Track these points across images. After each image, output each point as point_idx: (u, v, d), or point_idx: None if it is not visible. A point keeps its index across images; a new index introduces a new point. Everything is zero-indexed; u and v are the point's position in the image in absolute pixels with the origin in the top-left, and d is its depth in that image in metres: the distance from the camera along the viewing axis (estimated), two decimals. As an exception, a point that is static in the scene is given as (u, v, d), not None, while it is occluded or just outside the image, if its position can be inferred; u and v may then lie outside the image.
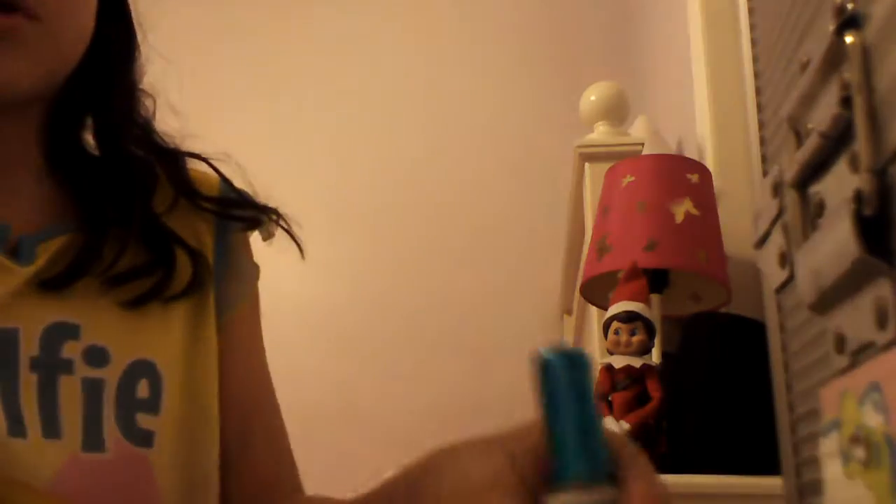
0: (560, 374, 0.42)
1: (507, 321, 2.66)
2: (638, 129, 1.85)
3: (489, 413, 2.56)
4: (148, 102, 0.71)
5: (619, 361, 1.20)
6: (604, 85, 1.82)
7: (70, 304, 0.59)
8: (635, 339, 1.21)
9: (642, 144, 1.72)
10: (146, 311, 0.62)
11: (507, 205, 2.78)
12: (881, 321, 0.29)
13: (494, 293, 2.70)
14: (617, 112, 1.80)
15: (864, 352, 0.30)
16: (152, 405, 0.58)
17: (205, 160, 0.72)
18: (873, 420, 0.28)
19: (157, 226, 0.65)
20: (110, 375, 0.58)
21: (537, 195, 2.74)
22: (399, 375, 2.64)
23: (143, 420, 0.57)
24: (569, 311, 2.44)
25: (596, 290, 1.49)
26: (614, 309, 1.24)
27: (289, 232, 0.76)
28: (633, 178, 1.43)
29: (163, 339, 0.62)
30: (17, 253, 0.58)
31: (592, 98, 1.81)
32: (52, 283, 0.58)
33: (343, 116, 2.93)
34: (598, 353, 1.62)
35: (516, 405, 2.85)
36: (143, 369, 0.59)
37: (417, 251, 2.76)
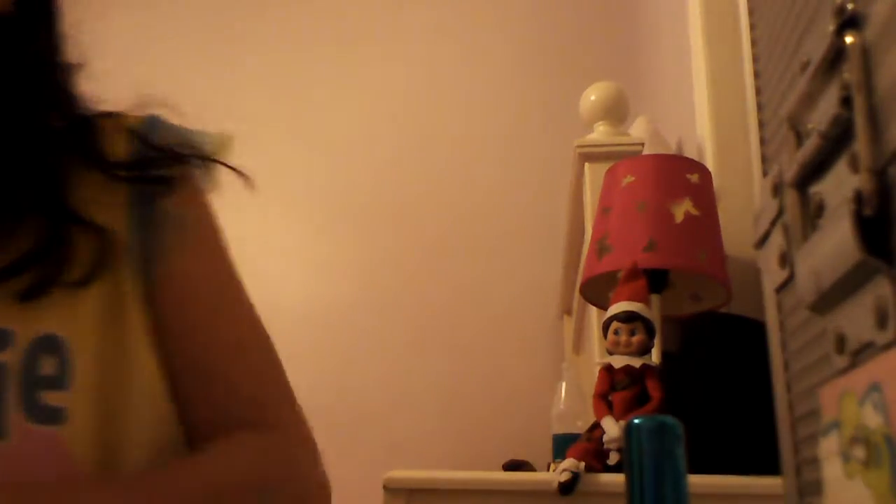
0: (648, 442, 0.40)
1: (506, 321, 2.66)
2: (638, 129, 1.85)
3: (491, 413, 2.57)
4: (73, 72, 0.67)
5: (618, 361, 1.20)
6: (604, 85, 1.82)
7: None
8: (635, 339, 1.21)
9: (642, 144, 1.72)
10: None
11: (506, 205, 2.78)
12: (881, 321, 0.29)
13: (494, 293, 2.70)
14: (617, 112, 1.80)
15: (864, 352, 0.30)
16: (59, 381, 0.56)
17: (119, 115, 0.68)
18: (873, 420, 0.28)
19: (55, 207, 0.62)
20: (11, 358, 0.56)
21: (537, 195, 2.74)
22: (399, 375, 2.64)
23: (51, 397, 0.56)
24: (568, 312, 2.44)
25: (596, 291, 1.49)
26: (614, 309, 1.24)
27: (228, 166, 0.71)
28: (632, 178, 1.43)
29: (70, 311, 0.59)
30: None
31: (592, 98, 1.81)
32: None
33: (344, 116, 2.93)
34: (597, 354, 1.62)
35: (518, 406, 2.86)
36: (47, 345, 0.57)
37: (417, 252, 2.76)
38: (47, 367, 0.56)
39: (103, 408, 0.58)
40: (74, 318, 0.59)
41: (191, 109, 0.74)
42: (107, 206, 0.64)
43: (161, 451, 0.61)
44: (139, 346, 0.62)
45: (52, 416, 0.56)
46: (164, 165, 0.67)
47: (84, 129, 0.66)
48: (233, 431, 0.64)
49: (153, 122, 0.69)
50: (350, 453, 2.53)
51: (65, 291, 0.59)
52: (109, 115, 0.68)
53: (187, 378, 0.64)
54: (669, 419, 0.39)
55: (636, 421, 0.42)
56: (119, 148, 0.66)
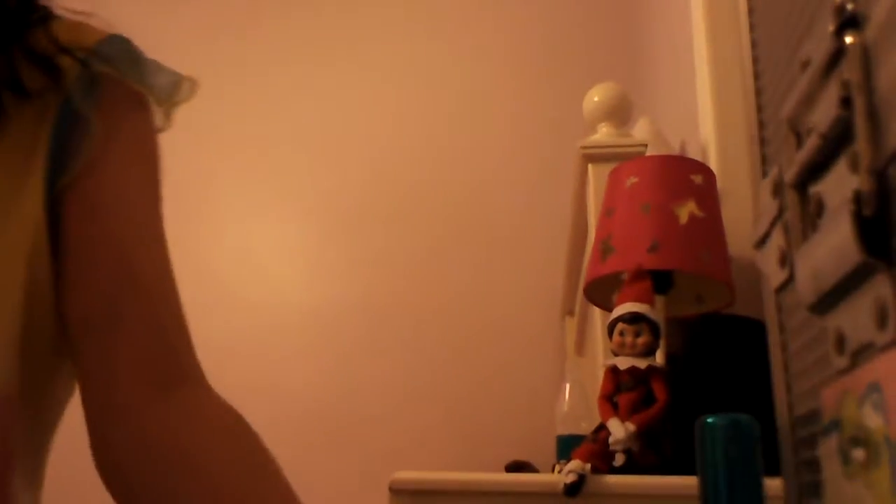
0: (722, 441, 0.40)
1: (509, 322, 2.66)
2: (641, 131, 1.85)
3: (493, 414, 2.56)
4: None
5: (624, 363, 1.20)
6: (607, 86, 1.82)
7: None
8: (640, 340, 1.20)
9: (646, 145, 1.72)
10: None
11: (509, 206, 2.78)
12: (881, 321, 0.29)
13: (496, 294, 2.70)
14: (620, 113, 1.79)
15: (863, 352, 0.30)
16: None
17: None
18: (873, 421, 0.28)
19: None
20: None
21: (540, 196, 2.74)
22: (402, 377, 2.64)
23: None
24: (571, 313, 2.44)
25: (599, 292, 1.48)
26: (619, 310, 1.23)
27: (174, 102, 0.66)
28: (636, 180, 1.43)
29: None
30: None
31: (596, 99, 1.81)
32: None
33: (346, 118, 2.93)
34: (600, 355, 1.62)
35: (520, 407, 2.85)
36: None
37: (419, 253, 2.77)
38: None
39: None
40: None
41: (190, 109, 0.73)
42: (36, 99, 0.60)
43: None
44: (17, 253, 0.56)
45: None
46: (124, 72, 0.63)
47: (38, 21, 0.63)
48: (194, 387, 0.58)
49: (112, 41, 0.65)
50: (353, 455, 2.54)
51: None
52: (76, 26, 0.65)
53: (104, 298, 0.58)
54: (745, 417, 0.39)
55: (710, 420, 0.41)
56: (85, 37, 0.63)
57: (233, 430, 0.58)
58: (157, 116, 0.66)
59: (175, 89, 0.66)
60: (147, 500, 0.55)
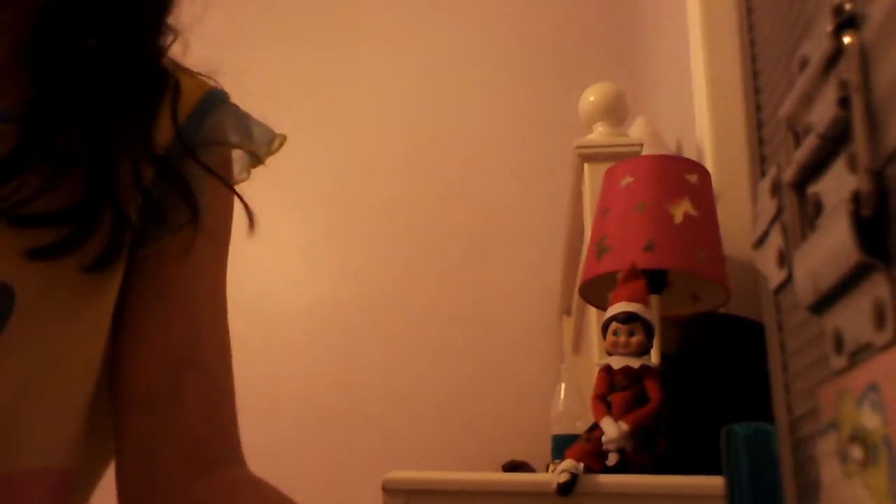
0: (746, 449, 0.41)
1: (506, 322, 2.66)
2: (637, 130, 1.86)
3: (490, 414, 2.57)
4: (170, 35, 0.62)
5: (617, 362, 1.20)
6: (603, 85, 1.82)
7: None
8: (634, 339, 1.21)
9: (641, 145, 1.72)
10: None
11: (506, 205, 2.78)
12: (879, 322, 0.29)
13: (493, 293, 2.70)
14: (616, 113, 1.80)
15: (862, 352, 0.30)
16: None
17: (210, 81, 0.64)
18: (871, 421, 0.28)
19: (101, 173, 0.54)
20: None
21: (536, 195, 2.74)
22: (399, 376, 2.64)
23: None
24: (568, 312, 2.44)
25: (595, 291, 1.49)
26: (613, 310, 1.24)
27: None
28: (632, 179, 1.43)
29: (41, 274, 0.52)
30: None
31: (591, 99, 1.81)
32: None
33: (346, 118, 2.93)
34: (596, 354, 1.62)
35: (517, 406, 2.86)
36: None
37: (417, 252, 2.77)
38: None
39: (20, 380, 0.52)
40: (42, 281, 0.53)
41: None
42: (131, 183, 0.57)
43: (65, 436, 0.55)
44: (93, 327, 0.56)
45: None
46: (206, 152, 0.62)
47: (160, 87, 0.61)
48: (238, 468, 0.58)
49: (212, 101, 0.64)
50: (349, 453, 2.53)
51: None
52: (189, 74, 0.64)
53: (169, 372, 0.58)
54: (768, 426, 0.39)
55: (736, 428, 0.43)
56: (188, 98, 0.62)
57: (267, 497, 0.56)
58: (241, 167, 0.65)
59: (270, 146, 0.65)
60: None
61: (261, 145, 0.66)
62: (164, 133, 0.60)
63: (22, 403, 0.51)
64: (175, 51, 0.65)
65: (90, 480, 0.59)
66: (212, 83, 0.65)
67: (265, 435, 2.55)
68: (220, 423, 0.59)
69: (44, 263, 0.52)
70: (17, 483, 0.51)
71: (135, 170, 0.57)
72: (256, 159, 0.66)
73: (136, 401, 0.56)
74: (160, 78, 0.61)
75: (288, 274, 2.81)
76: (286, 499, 0.55)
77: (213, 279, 0.64)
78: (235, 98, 0.67)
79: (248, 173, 0.66)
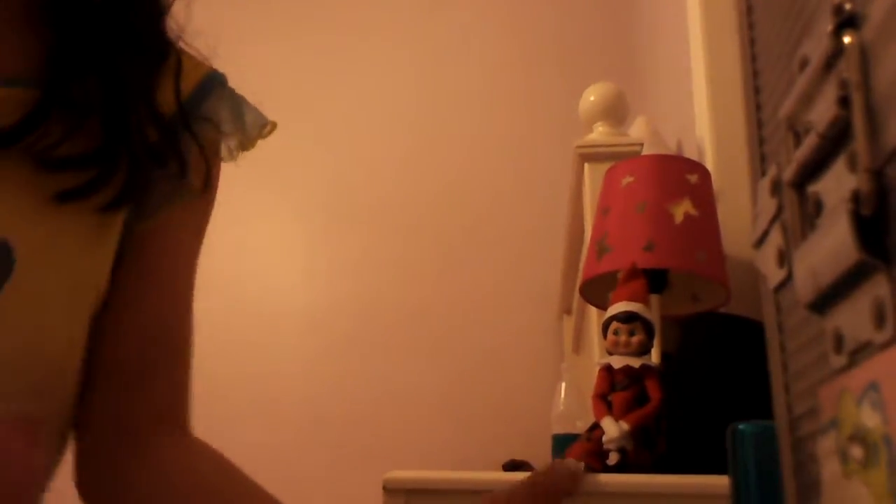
0: (752, 448, 0.41)
1: (506, 321, 2.66)
2: (637, 130, 1.86)
3: (490, 413, 2.57)
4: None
5: (618, 362, 1.20)
6: (603, 85, 1.82)
7: None
8: (634, 339, 1.21)
9: (641, 145, 1.72)
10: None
11: (506, 205, 2.78)
12: (879, 321, 0.29)
13: (493, 293, 2.70)
14: (616, 112, 1.80)
15: (862, 351, 0.30)
16: None
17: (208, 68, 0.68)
18: (871, 420, 0.28)
19: (128, 113, 0.60)
20: None
21: (536, 195, 2.74)
22: (399, 375, 2.64)
23: None
24: (568, 311, 2.44)
25: (595, 291, 1.49)
26: (613, 309, 1.24)
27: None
28: (632, 179, 1.43)
29: (47, 227, 0.57)
30: None
31: (592, 98, 1.81)
32: None
33: (346, 119, 2.93)
34: (597, 354, 1.62)
35: (517, 406, 2.85)
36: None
37: (416, 251, 2.77)
38: None
39: (14, 335, 0.55)
40: (43, 235, 0.57)
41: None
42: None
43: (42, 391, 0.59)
44: (86, 294, 0.60)
45: None
46: (201, 133, 0.66)
47: (175, 55, 0.65)
48: (184, 435, 0.65)
49: (212, 81, 0.68)
50: (350, 453, 2.53)
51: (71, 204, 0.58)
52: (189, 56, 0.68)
53: (144, 346, 0.64)
54: (773, 424, 0.39)
55: (741, 427, 0.43)
56: (192, 74, 0.66)
57: (218, 458, 0.65)
58: (228, 150, 0.69)
59: (259, 131, 0.70)
60: None
61: (251, 131, 0.70)
62: (166, 105, 0.64)
63: (20, 354, 0.56)
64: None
65: (56, 430, 0.62)
66: (209, 65, 0.70)
67: (264, 434, 2.55)
68: (182, 394, 0.66)
69: (48, 218, 0.56)
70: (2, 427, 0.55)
71: (140, 128, 0.61)
72: (246, 145, 0.70)
73: (111, 365, 0.62)
74: (162, 44, 0.66)
75: (286, 274, 2.81)
76: (219, 454, 0.64)
77: (190, 257, 0.68)
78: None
79: (236, 158, 0.70)
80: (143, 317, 0.63)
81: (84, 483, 0.64)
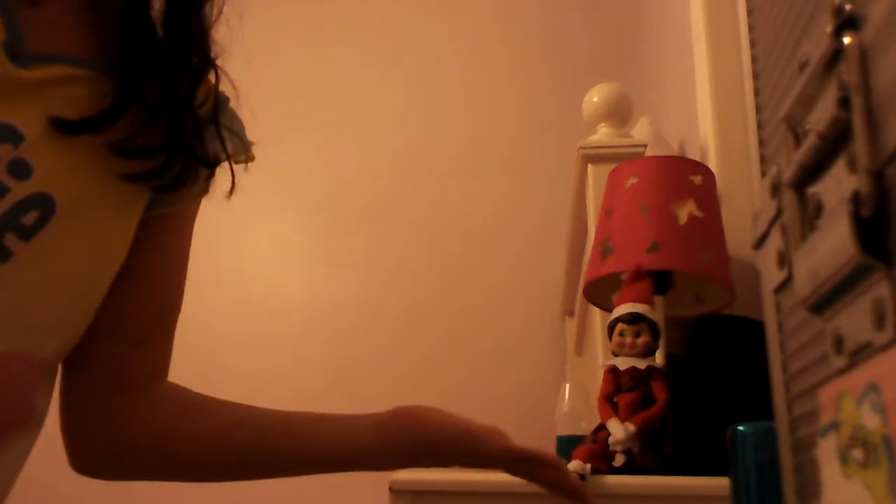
0: (752, 448, 0.42)
1: (508, 323, 2.66)
2: (640, 131, 1.85)
3: (492, 414, 2.56)
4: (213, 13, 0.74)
5: (623, 363, 1.20)
6: (606, 86, 1.82)
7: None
8: (640, 340, 1.20)
9: (645, 146, 1.72)
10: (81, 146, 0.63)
11: (509, 206, 2.78)
12: (879, 322, 0.29)
13: (496, 294, 2.70)
14: (620, 113, 1.80)
15: (862, 352, 0.30)
16: (28, 232, 0.60)
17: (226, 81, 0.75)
18: (871, 421, 0.28)
19: (186, 114, 0.68)
20: (18, 190, 0.59)
21: (539, 196, 2.74)
22: (400, 377, 2.65)
23: (10, 239, 0.59)
24: (570, 313, 2.44)
25: (599, 292, 1.48)
26: (619, 311, 1.23)
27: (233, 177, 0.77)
28: (636, 180, 1.43)
29: (92, 190, 0.63)
30: (15, 57, 0.60)
31: (595, 99, 1.81)
32: (64, 127, 0.61)
33: (348, 118, 2.93)
34: (600, 355, 1.62)
35: (519, 407, 2.84)
36: (43, 202, 0.60)
37: (418, 252, 2.77)
38: (30, 217, 0.60)
39: (40, 278, 0.61)
40: (87, 198, 0.63)
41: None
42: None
43: (65, 344, 0.66)
44: (113, 252, 0.67)
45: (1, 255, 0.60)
46: (221, 146, 0.74)
47: (206, 72, 0.73)
48: (166, 383, 0.76)
49: (225, 104, 0.76)
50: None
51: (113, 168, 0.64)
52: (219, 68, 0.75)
53: (150, 318, 0.73)
54: (772, 425, 0.40)
55: (740, 428, 0.43)
56: (206, 106, 0.73)
57: (192, 396, 0.76)
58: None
59: (243, 154, 0.77)
60: (151, 453, 0.73)
61: (240, 153, 0.77)
62: (205, 107, 0.73)
63: (40, 297, 0.62)
64: None
65: (54, 371, 0.69)
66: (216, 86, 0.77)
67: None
68: (170, 352, 0.77)
69: (96, 184, 0.64)
70: (5, 363, 0.61)
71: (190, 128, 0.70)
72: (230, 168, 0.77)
73: (120, 326, 0.71)
74: (208, 55, 0.73)
75: (288, 273, 2.81)
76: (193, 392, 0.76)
77: (189, 242, 0.77)
78: (231, 99, 0.77)
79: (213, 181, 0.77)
80: (155, 288, 0.73)
81: (74, 427, 0.72)
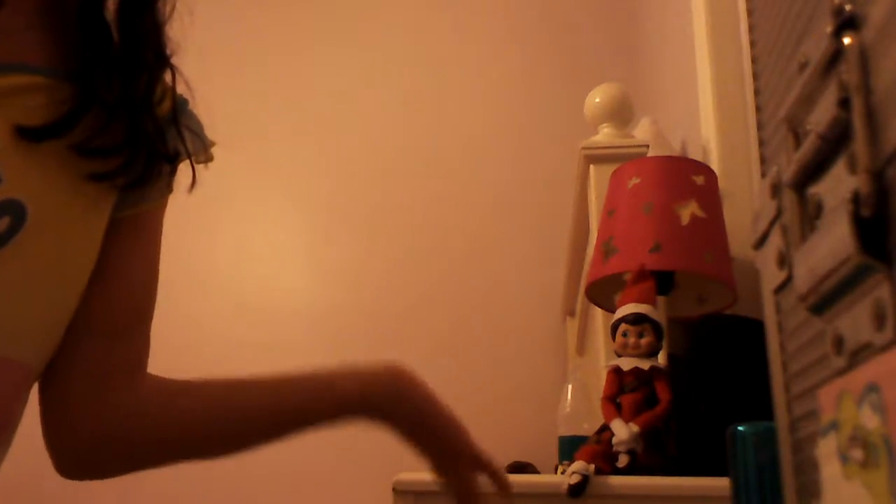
0: (752, 448, 0.42)
1: (509, 323, 2.66)
2: (642, 131, 1.85)
3: (493, 415, 2.56)
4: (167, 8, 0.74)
5: (627, 364, 1.20)
6: (608, 87, 1.82)
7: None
8: (643, 341, 1.20)
9: (647, 146, 1.72)
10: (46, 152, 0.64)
11: (510, 206, 2.78)
12: (879, 322, 0.29)
13: (497, 295, 2.70)
14: (621, 114, 1.79)
15: (862, 353, 0.30)
16: (1, 239, 0.61)
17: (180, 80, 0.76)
18: (871, 421, 0.28)
19: (145, 112, 0.70)
20: None
21: (541, 197, 2.74)
22: (406, 379, 2.64)
23: None
24: (571, 314, 2.44)
25: (601, 292, 1.48)
26: (622, 311, 1.23)
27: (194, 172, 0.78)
28: (638, 180, 1.43)
29: (56, 194, 0.65)
30: None
31: (597, 100, 1.81)
32: (28, 135, 0.62)
33: (349, 119, 2.93)
34: (601, 355, 1.62)
35: (520, 407, 2.84)
36: (14, 209, 0.62)
37: (421, 252, 2.77)
38: (1, 224, 0.61)
39: (17, 282, 0.63)
40: (55, 202, 0.64)
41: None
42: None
43: (41, 347, 0.67)
44: (84, 254, 0.68)
45: None
46: (179, 148, 0.75)
47: (162, 70, 0.74)
48: (146, 375, 0.76)
49: (184, 105, 0.76)
50: (354, 455, 2.54)
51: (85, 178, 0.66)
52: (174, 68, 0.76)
53: (127, 315, 0.74)
54: (771, 425, 0.40)
55: (740, 428, 0.43)
56: (163, 104, 0.74)
57: (173, 382, 0.77)
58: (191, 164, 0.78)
59: (203, 154, 0.78)
60: (144, 442, 0.75)
61: (200, 153, 0.78)
62: (162, 110, 0.73)
63: (16, 302, 0.63)
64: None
65: (37, 374, 0.70)
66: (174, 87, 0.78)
67: (274, 438, 2.55)
68: (148, 345, 0.78)
69: (63, 188, 0.65)
70: None
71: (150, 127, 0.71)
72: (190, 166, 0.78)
73: (98, 324, 0.72)
74: (163, 53, 0.74)
75: (289, 276, 2.81)
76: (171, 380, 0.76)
77: (160, 238, 0.79)
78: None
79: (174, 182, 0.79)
80: (130, 285, 0.74)
81: (58, 428, 0.73)
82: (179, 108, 0.75)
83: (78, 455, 0.73)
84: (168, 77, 0.75)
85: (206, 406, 0.76)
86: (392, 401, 0.85)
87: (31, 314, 0.65)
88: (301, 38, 3.02)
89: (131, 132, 0.68)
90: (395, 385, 0.87)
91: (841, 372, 0.32)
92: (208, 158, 0.78)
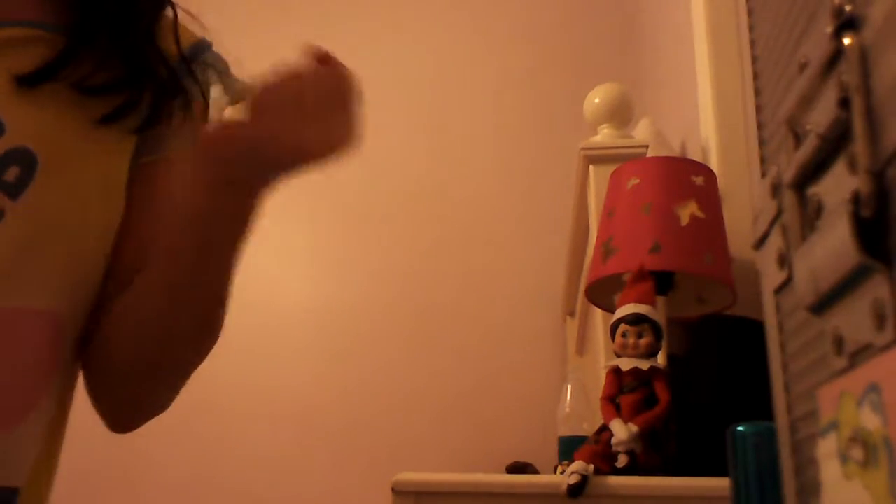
0: (752, 448, 0.42)
1: (510, 323, 2.66)
2: (642, 131, 1.85)
3: (493, 415, 2.56)
4: None
5: (626, 364, 1.20)
6: (608, 87, 1.82)
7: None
8: (643, 341, 1.20)
9: (647, 147, 1.72)
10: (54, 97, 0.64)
11: (510, 206, 2.78)
12: (879, 322, 0.29)
13: (497, 295, 2.70)
14: (621, 114, 1.79)
15: (862, 353, 0.30)
16: (14, 190, 0.62)
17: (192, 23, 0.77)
18: (871, 421, 0.28)
19: (144, 44, 0.70)
20: None
21: (541, 197, 2.74)
22: (403, 378, 2.65)
23: None
24: (571, 314, 2.44)
25: (601, 293, 1.48)
26: (622, 311, 1.23)
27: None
28: (638, 181, 1.43)
29: (66, 139, 0.65)
30: None
31: (597, 100, 1.81)
32: (25, 80, 0.62)
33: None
34: (601, 356, 1.62)
35: (520, 408, 2.83)
36: (22, 157, 0.62)
37: (420, 254, 2.77)
38: (11, 173, 0.62)
39: (35, 232, 0.62)
40: (65, 147, 0.64)
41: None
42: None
43: (70, 297, 0.66)
44: (104, 200, 0.68)
45: None
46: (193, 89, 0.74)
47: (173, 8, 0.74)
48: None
49: (203, 46, 0.77)
50: (355, 456, 2.54)
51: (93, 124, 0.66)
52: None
53: (138, 267, 0.71)
54: (771, 425, 0.40)
55: (740, 428, 0.43)
56: (170, 47, 0.73)
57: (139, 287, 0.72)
58: (218, 108, 0.78)
59: (240, 96, 0.78)
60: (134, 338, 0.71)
61: (233, 95, 0.79)
62: (168, 51, 0.73)
63: (37, 252, 0.63)
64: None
65: (76, 326, 0.69)
66: (196, 33, 0.79)
67: (271, 437, 2.55)
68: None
69: (73, 133, 0.65)
70: (17, 318, 0.62)
71: (152, 64, 0.71)
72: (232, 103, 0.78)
73: (129, 265, 0.70)
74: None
75: (293, 277, 2.81)
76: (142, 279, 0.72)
77: (175, 198, 0.76)
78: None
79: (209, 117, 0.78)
80: (139, 238, 0.72)
81: (100, 386, 0.71)
82: (197, 49, 0.75)
83: (102, 357, 0.71)
84: (170, 14, 0.75)
85: (149, 304, 0.71)
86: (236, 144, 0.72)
87: (54, 264, 0.64)
88: (301, 38, 3.02)
89: (132, 65, 0.68)
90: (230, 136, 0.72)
91: (841, 372, 0.32)
92: (238, 98, 0.77)
